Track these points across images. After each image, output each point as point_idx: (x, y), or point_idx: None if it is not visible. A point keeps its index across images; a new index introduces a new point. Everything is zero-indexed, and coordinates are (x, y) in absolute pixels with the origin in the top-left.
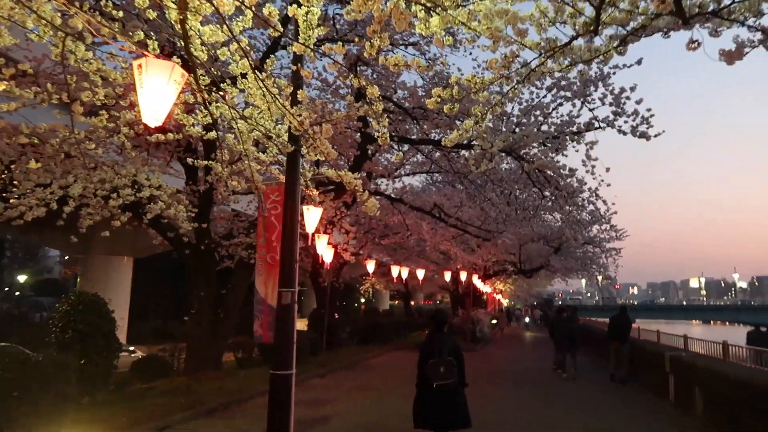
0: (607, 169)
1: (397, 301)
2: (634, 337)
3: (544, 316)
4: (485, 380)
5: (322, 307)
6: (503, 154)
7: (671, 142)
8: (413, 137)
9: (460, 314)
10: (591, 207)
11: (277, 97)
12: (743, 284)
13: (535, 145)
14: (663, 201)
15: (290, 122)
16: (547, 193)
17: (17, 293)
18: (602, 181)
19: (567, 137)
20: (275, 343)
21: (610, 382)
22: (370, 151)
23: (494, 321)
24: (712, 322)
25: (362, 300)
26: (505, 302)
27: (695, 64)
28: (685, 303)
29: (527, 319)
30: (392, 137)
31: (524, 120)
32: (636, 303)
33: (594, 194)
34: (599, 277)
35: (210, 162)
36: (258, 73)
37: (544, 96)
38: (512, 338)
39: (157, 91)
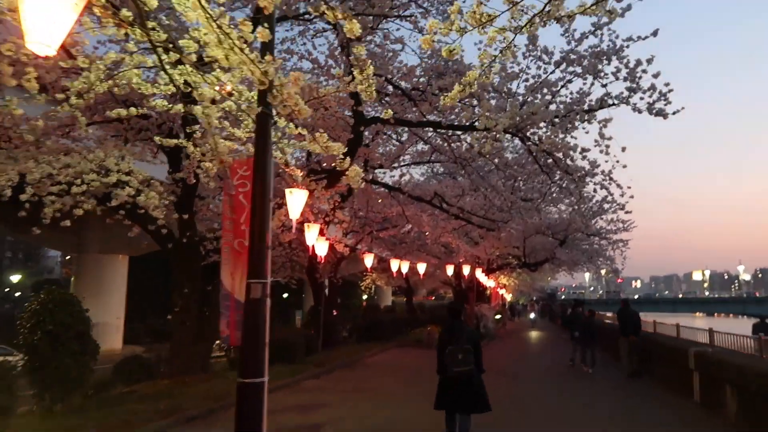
0: (623, 149)
1: (399, 298)
2: (648, 331)
3: (549, 310)
4: (494, 379)
5: (319, 304)
6: (508, 136)
7: (674, 134)
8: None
9: (464, 308)
10: (604, 192)
11: (235, 41)
12: (747, 276)
13: (543, 125)
14: (664, 194)
15: (252, 74)
16: (555, 178)
17: (17, 294)
18: (617, 162)
19: (577, 116)
20: (242, 346)
21: (628, 378)
22: (366, 136)
23: (498, 316)
24: (716, 314)
25: (364, 296)
26: (508, 297)
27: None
28: (688, 296)
29: (533, 315)
30: (389, 121)
31: (530, 99)
32: (638, 296)
33: (608, 177)
34: (602, 271)
35: (180, 141)
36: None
37: (552, 71)
38: (516, 334)
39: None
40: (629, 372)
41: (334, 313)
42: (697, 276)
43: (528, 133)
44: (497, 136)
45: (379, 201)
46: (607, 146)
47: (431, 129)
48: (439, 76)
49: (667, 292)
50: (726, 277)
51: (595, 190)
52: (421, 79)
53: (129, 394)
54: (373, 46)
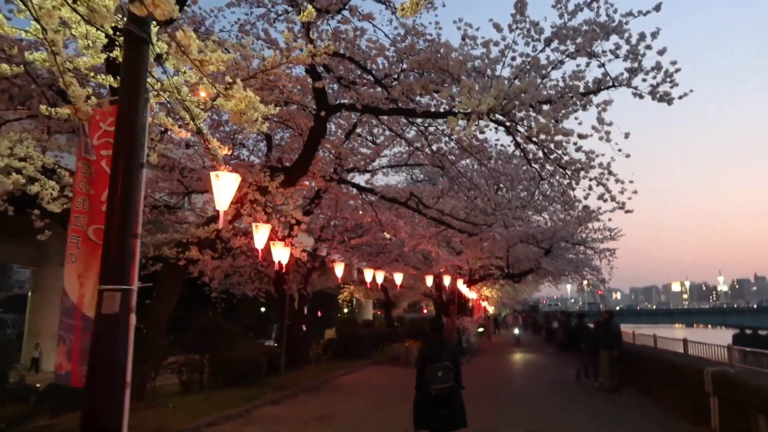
0: (626, 135)
1: (379, 311)
2: (628, 341)
3: (533, 323)
4: (482, 402)
5: (287, 319)
6: (492, 126)
7: (655, 145)
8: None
9: (444, 322)
10: (600, 189)
11: None
12: (725, 288)
13: (532, 111)
14: (643, 207)
15: None
16: (545, 174)
17: None
18: (619, 150)
19: (572, 99)
20: (89, 387)
21: (607, 393)
22: (337, 135)
23: (481, 329)
24: (694, 325)
25: (345, 310)
26: (491, 309)
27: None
28: (662, 306)
29: (517, 331)
30: (356, 107)
31: (518, 83)
32: (619, 308)
33: (606, 171)
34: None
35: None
36: None
37: (542, 49)
38: (501, 347)
39: None
40: (609, 387)
41: (303, 329)
42: (675, 287)
43: (516, 119)
44: (480, 118)
45: (350, 202)
46: (608, 133)
47: (408, 124)
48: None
49: (646, 303)
50: (704, 288)
51: (590, 188)
52: (393, 66)
53: (48, 428)
54: (337, 23)
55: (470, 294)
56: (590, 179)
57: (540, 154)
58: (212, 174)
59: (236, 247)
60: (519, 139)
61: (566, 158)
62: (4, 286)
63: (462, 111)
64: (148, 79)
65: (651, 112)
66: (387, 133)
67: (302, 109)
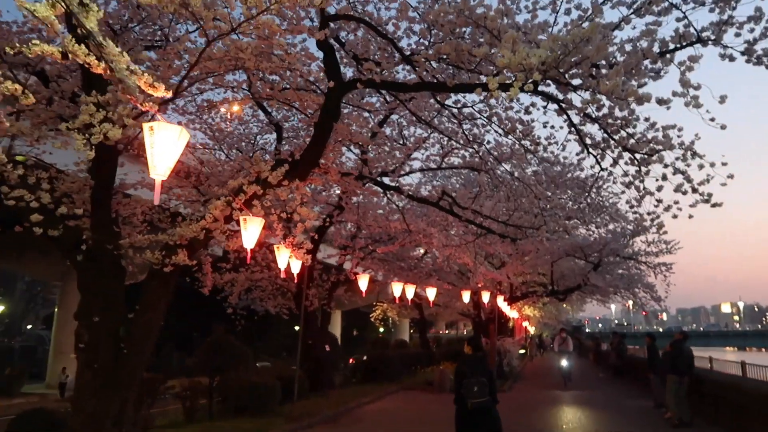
0: (722, 99)
1: (416, 331)
2: (702, 367)
3: (578, 345)
4: None
5: (308, 338)
6: (538, 96)
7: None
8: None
9: (484, 344)
10: (678, 178)
11: None
12: None
13: (594, 70)
14: (690, 223)
15: None
16: (605, 165)
17: (29, 326)
18: (712, 120)
19: (646, 60)
20: None
21: (677, 427)
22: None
23: (522, 351)
24: (747, 348)
25: (381, 330)
26: (531, 330)
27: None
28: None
29: (564, 363)
30: (373, 81)
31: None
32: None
33: (689, 153)
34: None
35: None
36: None
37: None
38: (545, 370)
39: None
40: (678, 419)
41: (327, 349)
42: (725, 308)
43: (572, 84)
44: (530, 75)
45: (377, 211)
46: (695, 97)
47: (439, 113)
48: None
49: (694, 324)
50: (756, 309)
51: (664, 177)
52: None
53: None
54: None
55: (511, 313)
56: (665, 165)
57: (600, 136)
58: (145, 126)
59: (238, 255)
60: (574, 117)
61: (634, 139)
62: (46, 304)
63: (505, 67)
64: None
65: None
66: (418, 132)
67: (312, 90)
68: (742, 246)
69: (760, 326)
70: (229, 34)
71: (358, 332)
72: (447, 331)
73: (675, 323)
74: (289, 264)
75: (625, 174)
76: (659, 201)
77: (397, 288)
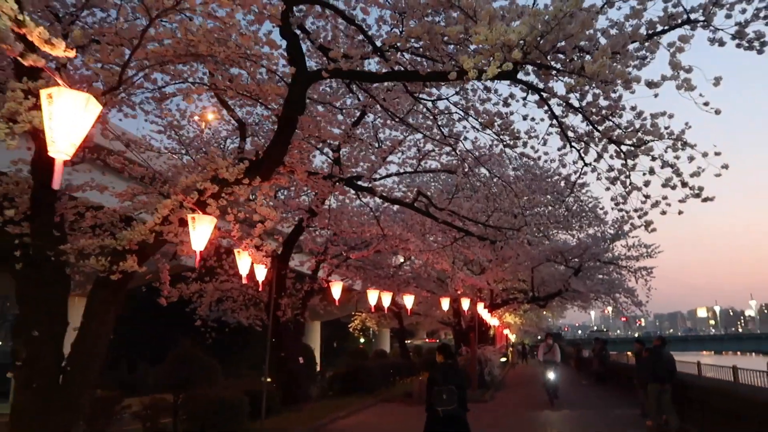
0: (717, 81)
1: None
2: (690, 373)
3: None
4: None
5: (281, 350)
6: (516, 85)
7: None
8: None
9: (464, 353)
10: (667, 172)
11: None
12: (751, 312)
13: (576, 53)
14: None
15: None
16: (589, 159)
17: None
18: (706, 104)
19: (632, 42)
20: None
21: None
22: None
23: (504, 359)
24: (723, 352)
25: (361, 340)
26: (512, 337)
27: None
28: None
29: (551, 375)
30: (340, 70)
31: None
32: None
33: (679, 144)
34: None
35: None
36: None
37: None
38: (526, 378)
39: None
40: (657, 426)
41: (300, 361)
42: (701, 313)
43: (554, 66)
44: (510, 51)
45: (353, 217)
46: (687, 80)
47: (414, 109)
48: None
49: (671, 329)
50: (731, 313)
51: (651, 171)
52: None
53: None
54: None
55: (492, 320)
56: (652, 158)
57: (583, 129)
58: (42, 93)
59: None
60: (556, 108)
61: (621, 129)
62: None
63: (481, 45)
64: None
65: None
66: (393, 135)
67: (276, 80)
68: (716, 251)
69: (735, 329)
70: (173, 8)
71: (339, 343)
72: (433, 340)
73: (653, 328)
74: (252, 270)
75: (611, 169)
76: (647, 197)
77: (372, 296)
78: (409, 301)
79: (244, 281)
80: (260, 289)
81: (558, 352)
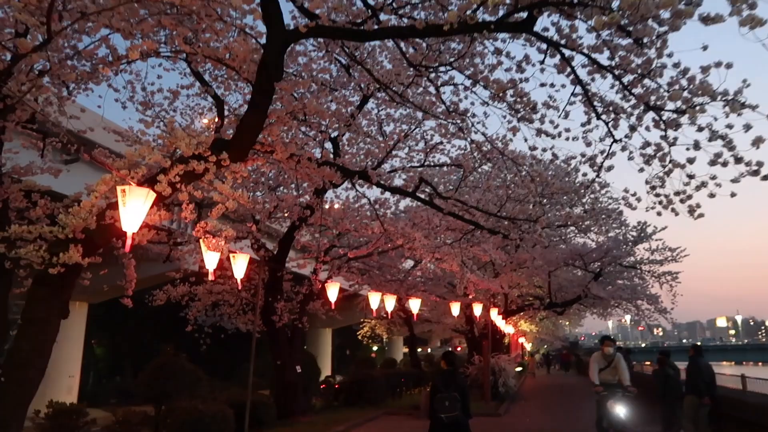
0: None
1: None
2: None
3: (576, 361)
4: None
5: (278, 358)
6: (528, 42)
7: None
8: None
9: (477, 362)
10: (716, 145)
11: None
12: None
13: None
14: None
15: None
16: (622, 131)
17: None
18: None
19: None
20: None
21: None
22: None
23: (519, 369)
24: (744, 363)
25: (374, 348)
26: (528, 346)
27: None
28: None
29: (621, 413)
30: (322, 28)
31: None
32: (667, 344)
33: (736, 104)
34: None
35: None
36: None
37: None
38: (544, 387)
39: None
40: None
41: (298, 370)
42: (721, 322)
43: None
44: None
45: (351, 211)
46: (752, 17)
47: (414, 82)
48: None
49: (690, 339)
50: (752, 323)
51: (696, 145)
52: None
53: None
54: None
55: (506, 328)
56: (698, 128)
57: (612, 97)
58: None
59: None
60: (580, 71)
61: (665, 88)
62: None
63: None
64: None
65: None
66: (400, 127)
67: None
68: (737, 258)
69: (757, 339)
70: None
71: (351, 351)
72: (440, 347)
73: (671, 338)
74: (230, 265)
75: (646, 144)
76: (691, 176)
77: (374, 299)
78: (415, 305)
79: (211, 277)
80: (239, 287)
81: (626, 369)
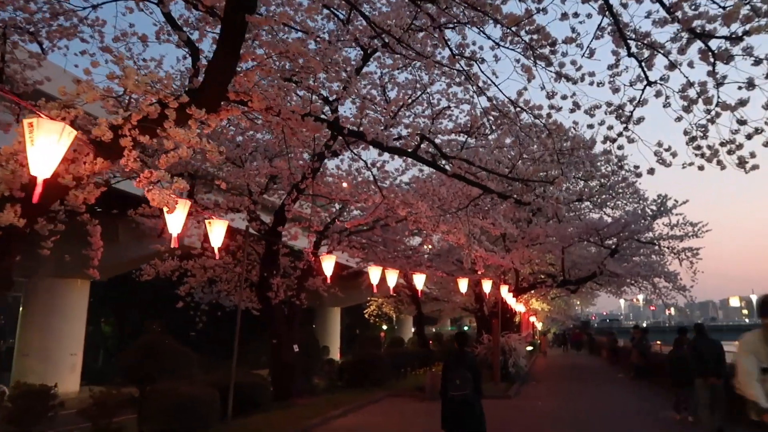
0: None
1: (430, 327)
2: None
3: (589, 341)
4: None
5: (274, 337)
6: None
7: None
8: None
9: (485, 341)
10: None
11: None
12: None
13: None
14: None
15: None
16: (657, 73)
17: None
18: None
19: None
20: None
21: None
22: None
23: (530, 348)
24: None
25: (384, 327)
26: (539, 325)
27: None
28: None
29: None
30: None
31: None
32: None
33: None
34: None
35: None
36: None
37: None
38: (556, 368)
39: None
40: (709, 428)
41: (296, 349)
42: (734, 302)
43: None
44: None
45: (351, 178)
46: None
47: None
48: None
49: (703, 318)
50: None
51: (750, 83)
52: None
53: None
54: None
55: (517, 306)
56: (755, 60)
57: (647, 27)
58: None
59: None
60: None
61: (720, 6)
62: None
63: None
64: None
65: None
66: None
67: None
68: (753, 238)
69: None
70: None
71: (361, 330)
72: (450, 327)
73: (683, 317)
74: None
75: (687, 86)
76: (742, 122)
77: (374, 273)
78: (419, 280)
79: (174, 244)
80: (217, 257)
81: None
